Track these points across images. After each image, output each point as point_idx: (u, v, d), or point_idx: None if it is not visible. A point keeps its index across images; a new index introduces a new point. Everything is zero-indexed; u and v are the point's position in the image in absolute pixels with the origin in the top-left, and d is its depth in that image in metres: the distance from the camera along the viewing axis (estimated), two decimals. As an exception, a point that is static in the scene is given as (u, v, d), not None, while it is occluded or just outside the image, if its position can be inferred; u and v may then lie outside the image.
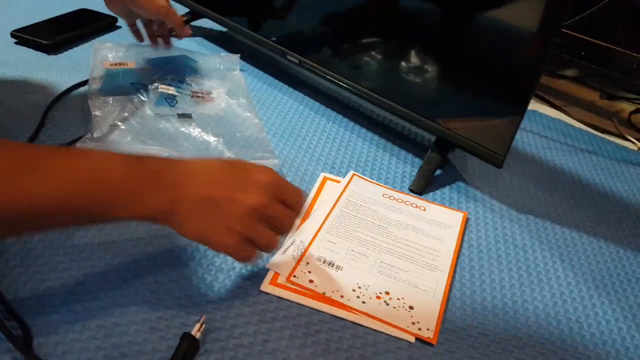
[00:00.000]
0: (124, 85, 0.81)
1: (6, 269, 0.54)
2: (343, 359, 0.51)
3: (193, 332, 0.49)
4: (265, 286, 0.57)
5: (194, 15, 1.08)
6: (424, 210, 0.71)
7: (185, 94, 0.83)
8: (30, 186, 0.41)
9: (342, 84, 0.85)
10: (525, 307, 0.60)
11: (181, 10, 1.07)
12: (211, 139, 0.76)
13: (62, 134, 0.74)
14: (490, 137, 0.72)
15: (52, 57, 0.92)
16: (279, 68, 1.02)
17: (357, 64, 0.85)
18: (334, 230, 0.65)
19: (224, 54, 0.97)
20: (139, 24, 0.91)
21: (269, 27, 0.96)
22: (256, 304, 0.55)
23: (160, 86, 0.82)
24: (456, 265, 0.64)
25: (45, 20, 0.99)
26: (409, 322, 0.55)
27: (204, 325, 0.51)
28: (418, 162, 0.82)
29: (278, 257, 0.60)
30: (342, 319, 0.55)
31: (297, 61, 0.90)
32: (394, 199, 0.73)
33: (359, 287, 0.58)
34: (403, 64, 0.81)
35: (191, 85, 0.86)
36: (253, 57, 1.03)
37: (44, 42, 0.93)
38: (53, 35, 0.95)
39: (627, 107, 1.12)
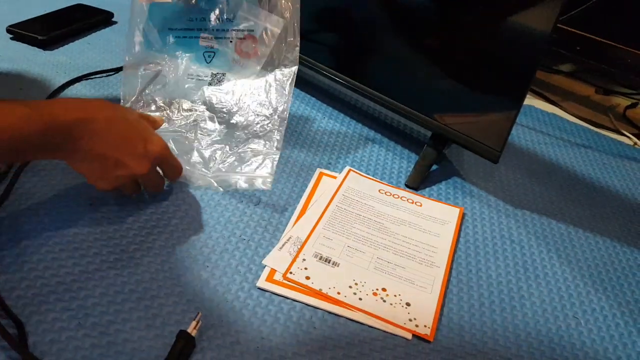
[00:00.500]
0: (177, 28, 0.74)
1: (1, 265, 0.54)
2: (340, 356, 0.51)
3: (189, 330, 0.49)
4: (262, 282, 0.57)
5: None
6: (420, 205, 0.71)
7: (228, 47, 0.74)
8: None
9: (337, 79, 0.85)
10: (522, 302, 0.60)
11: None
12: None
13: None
14: (486, 133, 0.72)
15: (48, 52, 0.91)
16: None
17: (352, 60, 0.85)
18: (331, 227, 0.65)
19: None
20: None
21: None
22: (252, 301, 0.55)
23: (202, 36, 0.74)
24: (453, 261, 0.64)
25: (41, 16, 0.99)
26: (406, 319, 0.55)
27: (200, 323, 0.51)
28: (414, 157, 0.82)
29: (274, 253, 0.60)
30: (339, 315, 0.55)
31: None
32: (390, 194, 0.72)
33: (356, 284, 0.58)
34: (398, 59, 0.80)
35: (239, 25, 0.74)
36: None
37: (39, 37, 0.92)
38: (49, 31, 0.94)
39: (623, 101, 1.12)
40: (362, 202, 0.70)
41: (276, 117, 0.73)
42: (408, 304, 0.57)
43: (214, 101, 0.74)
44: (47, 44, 0.93)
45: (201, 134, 0.72)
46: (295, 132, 0.83)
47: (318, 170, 0.75)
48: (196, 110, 0.74)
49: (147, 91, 0.73)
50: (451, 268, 0.63)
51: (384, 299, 0.57)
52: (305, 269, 0.59)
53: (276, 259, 0.59)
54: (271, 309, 0.55)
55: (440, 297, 0.58)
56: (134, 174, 0.58)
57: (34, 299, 0.51)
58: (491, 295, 0.60)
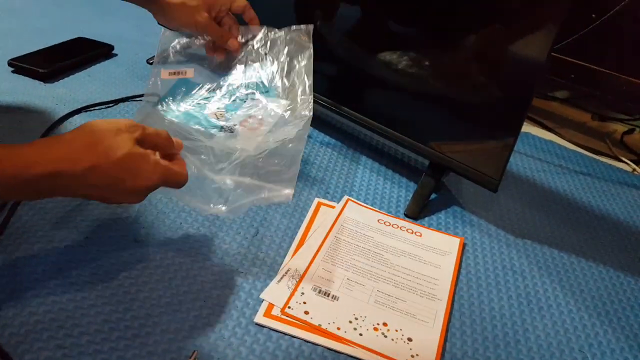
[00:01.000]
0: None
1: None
2: (341, 394, 0.50)
3: None
4: (260, 318, 0.55)
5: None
6: (420, 236, 0.71)
7: (234, 121, 0.73)
8: None
9: (335, 109, 0.85)
10: (527, 336, 0.59)
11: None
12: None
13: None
14: (485, 161, 0.71)
15: (49, 85, 0.92)
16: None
17: (350, 90, 0.85)
18: (330, 258, 0.64)
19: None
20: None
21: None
22: (250, 337, 0.54)
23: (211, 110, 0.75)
24: (454, 293, 0.63)
25: (42, 49, 0.99)
26: (408, 355, 0.54)
27: None
28: (413, 186, 0.81)
29: (272, 287, 0.59)
30: (339, 352, 0.53)
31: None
32: (389, 224, 0.72)
33: (356, 319, 0.57)
34: (396, 88, 0.81)
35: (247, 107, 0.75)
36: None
37: (40, 70, 0.92)
38: (50, 64, 0.94)
39: (620, 127, 1.12)
40: (361, 232, 0.69)
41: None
42: (410, 339, 0.55)
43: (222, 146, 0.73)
44: (48, 77, 0.93)
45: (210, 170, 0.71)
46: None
47: (316, 200, 0.74)
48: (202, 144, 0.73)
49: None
50: (453, 301, 0.62)
51: (385, 334, 0.56)
52: (304, 303, 0.58)
53: (274, 293, 0.58)
54: (269, 345, 0.53)
55: (443, 332, 0.57)
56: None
57: (27, 336, 0.50)
58: (494, 329, 0.59)
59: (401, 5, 0.77)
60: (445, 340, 0.57)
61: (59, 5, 1.26)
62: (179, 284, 0.58)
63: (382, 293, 0.61)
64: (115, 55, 1.06)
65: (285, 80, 0.77)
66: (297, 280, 0.60)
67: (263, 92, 0.77)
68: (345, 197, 0.75)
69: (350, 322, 0.56)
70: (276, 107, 0.74)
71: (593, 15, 0.95)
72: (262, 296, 0.58)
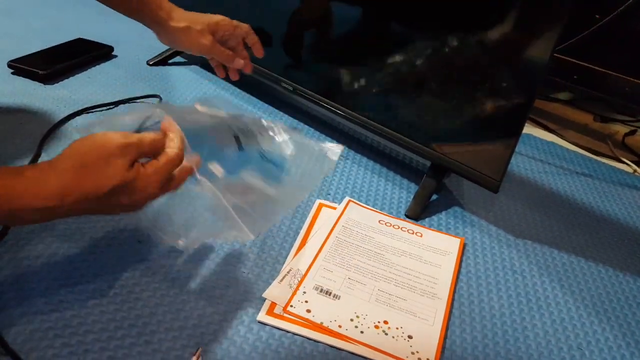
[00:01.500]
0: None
1: (1, 301, 0.53)
2: (342, 391, 0.50)
3: None
4: (262, 316, 0.56)
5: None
6: (421, 236, 0.71)
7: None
8: None
9: (336, 110, 0.86)
10: (526, 334, 0.59)
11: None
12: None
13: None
14: (486, 162, 0.72)
15: (49, 86, 0.92)
16: (273, 94, 1.03)
17: (352, 91, 0.86)
18: (331, 258, 0.65)
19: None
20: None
21: (264, 54, 0.96)
22: (253, 335, 0.54)
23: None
24: (454, 292, 0.64)
25: (42, 51, 1.00)
26: (409, 352, 0.54)
27: (200, 358, 0.50)
28: (414, 187, 0.82)
29: (275, 286, 0.60)
30: (340, 349, 0.54)
31: (291, 88, 0.90)
32: (390, 225, 0.72)
33: (357, 317, 0.58)
34: (397, 89, 0.81)
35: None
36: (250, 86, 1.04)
37: (40, 72, 0.93)
38: (49, 65, 0.95)
39: (621, 129, 1.13)
40: (362, 233, 0.70)
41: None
42: (410, 337, 0.56)
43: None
44: (48, 79, 0.94)
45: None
46: (294, 162, 0.83)
47: (317, 201, 0.75)
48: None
49: None
50: (453, 299, 0.62)
51: (386, 331, 0.56)
52: (306, 301, 0.58)
53: (276, 292, 0.59)
54: (272, 343, 0.54)
55: (443, 329, 0.58)
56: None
57: (33, 334, 0.51)
58: (494, 327, 0.60)
59: (403, 6, 0.78)
60: (445, 337, 0.57)
61: (58, 6, 1.27)
62: (182, 284, 0.59)
63: (383, 292, 0.61)
64: (115, 56, 1.07)
65: (292, 177, 0.76)
66: (299, 279, 0.61)
67: (268, 169, 0.75)
68: (347, 199, 0.76)
69: (352, 320, 0.57)
70: (269, 187, 0.72)
71: (597, 16, 0.96)
72: (264, 295, 0.59)
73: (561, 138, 1.06)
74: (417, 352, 0.54)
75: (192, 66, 1.09)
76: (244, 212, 0.64)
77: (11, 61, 0.95)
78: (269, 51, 0.96)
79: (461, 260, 0.69)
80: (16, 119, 0.83)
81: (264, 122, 0.87)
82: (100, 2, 0.78)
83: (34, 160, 0.73)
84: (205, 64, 1.10)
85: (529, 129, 1.07)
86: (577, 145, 1.04)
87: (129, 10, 0.77)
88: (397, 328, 0.57)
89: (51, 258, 0.59)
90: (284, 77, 0.91)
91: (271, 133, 0.85)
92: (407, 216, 0.75)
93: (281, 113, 0.97)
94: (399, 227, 0.72)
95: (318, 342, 0.55)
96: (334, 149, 0.85)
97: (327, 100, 0.87)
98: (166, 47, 1.09)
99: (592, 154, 1.02)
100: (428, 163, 0.80)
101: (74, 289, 0.56)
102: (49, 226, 0.63)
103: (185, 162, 0.56)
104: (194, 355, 0.50)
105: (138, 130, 0.72)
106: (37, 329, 0.51)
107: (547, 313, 0.63)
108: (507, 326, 0.60)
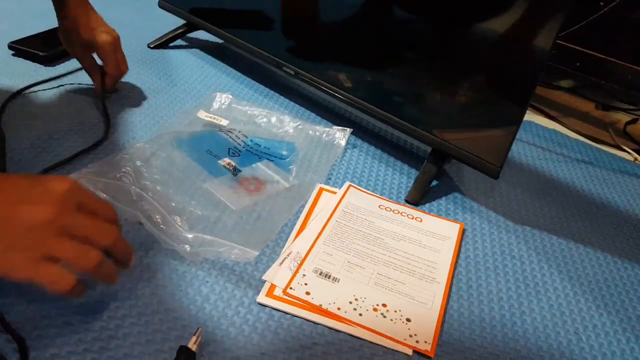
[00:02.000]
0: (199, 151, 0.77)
1: (1, 282, 0.54)
2: (340, 372, 0.51)
3: (189, 345, 0.49)
4: (262, 298, 0.57)
5: (190, 27, 1.09)
6: (420, 221, 0.71)
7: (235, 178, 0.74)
8: None
9: (338, 95, 0.86)
10: (523, 318, 0.60)
11: (177, 22, 1.08)
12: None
13: (59, 145, 0.74)
14: (486, 148, 0.72)
15: (49, 68, 0.92)
16: (275, 79, 1.03)
17: (354, 75, 0.86)
18: (331, 242, 0.65)
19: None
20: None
21: (265, 38, 0.96)
22: (252, 316, 0.55)
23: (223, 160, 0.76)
24: (453, 276, 0.64)
25: (43, 32, 1.00)
26: (407, 335, 0.55)
27: (200, 338, 0.50)
28: (414, 173, 0.82)
29: (274, 269, 0.60)
30: (339, 331, 0.55)
31: (293, 72, 0.90)
32: (390, 210, 0.73)
33: (356, 299, 0.58)
34: (399, 75, 0.81)
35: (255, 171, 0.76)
36: (252, 72, 1.04)
37: (40, 53, 0.93)
38: (50, 47, 0.95)
39: (623, 117, 1.12)
40: (362, 217, 0.70)
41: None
42: (408, 320, 0.57)
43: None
44: (48, 60, 0.94)
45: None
46: (303, 151, 0.83)
47: (318, 185, 0.75)
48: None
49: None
50: (451, 284, 0.63)
51: (384, 314, 0.57)
52: (305, 284, 0.59)
53: (276, 275, 0.59)
54: (271, 324, 0.54)
55: (441, 313, 0.58)
56: (41, 220, 0.43)
57: (35, 314, 0.51)
58: (492, 311, 0.60)
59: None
60: (443, 321, 0.58)
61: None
62: (183, 265, 0.59)
63: (382, 275, 0.62)
64: (117, 39, 1.07)
65: (301, 164, 0.79)
66: (299, 262, 0.62)
67: (279, 159, 0.79)
68: (347, 183, 0.76)
69: (350, 302, 0.57)
70: (282, 179, 0.75)
71: (601, 3, 0.95)
72: (264, 277, 0.59)
73: (562, 126, 1.06)
74: (415, 334, 0.55)
75: (193, 49, 1.09)
76: (250, 225, 0.65)
77: (12, 42, 0.95)
78: (270, 34, 0.96)
79: (460, 245, 0.69)
80: (17, 101, 0.82)
81: (271, 112, 0.87)
82: None
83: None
84: (205, 48, 1.10)
85: (530, 116, 1.07)
86: (579, 133, 1.04)
87: None
88: (395, 311, 0.57)
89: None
90: (286, 61, 0.91)
91: (278, 123, 0.86)
92: (407, 201, 0.76)
93: (282, 98, 0.97)
94: (398, 212, 0.72)
95: (317, 323, 0.55)
96: (341, 134, 0.86)
97: (329, 85, 0.86)
98: (167, 30, 1.08)
99: (593, 141, 1.02)
100: (429, 149, 0.80)
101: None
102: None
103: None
104: (194, 335, 0.50)
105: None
106: (38, 309, 0.52)
107: (544, 298, 0.63)
108: (505, 310, 0.60)
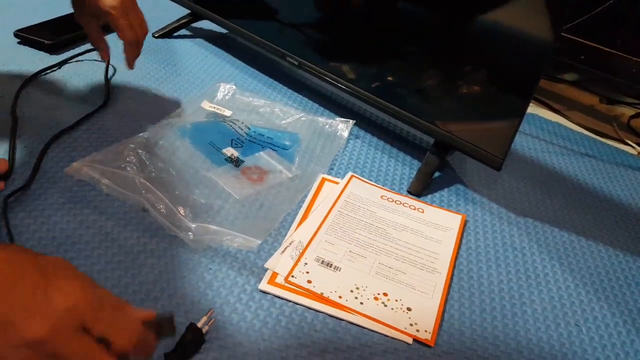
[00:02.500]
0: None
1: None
2: (341, 359, 0.51)
3: (199, 325, 0.50)
4: (264, 285, 0.57)
5: (194, 16, 1.08)
6: (422, 212, 0.72)
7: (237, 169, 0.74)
8: None
9: (341, 86, 0.86)
10: (524, 309, 0.60)
11: (181, 12, 1.08)
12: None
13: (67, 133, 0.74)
14: (489, 140, 0.72)
15: (54, 57, 0.92)
16: (279, 70, 1.03)
17: (357, 66, 0.86)
18: (333, 232, 0.66)
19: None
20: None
21: (269, 28, 0.96)
22: (255, 303, 0.55)
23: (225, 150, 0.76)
24: (454, 267, 0.64)
25: (48, 21, 1.00)
26: (407, 324, 0.55)
27: (213, 320, 0.51)
28: (416, 164, 0.82)
29: (277, 257, 0.61)
30: (340, 319, 0.55)
31: (296, 63, 0.90)
32: (392, 200, 0.73)
33: (357, 288, 0.58)
34: (402, 66, 0.81)
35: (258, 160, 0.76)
36: (253, 61, 1.04)
37: (46, 42, 0.93)
38: (55, 36, 0.95)
39: (627, 111, 1.12)
40: (364, 208, 0.70)
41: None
42: (409, 309, 0.57)
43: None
44: (54, 49, 0.94)
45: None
46: (306, 142, 0.83)
47: (320, 176, 0.75)
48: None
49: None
50: (452, 274, 0.63)
51: (385, 303, 0.57)
52: (307, 272, 0.59)
53: (278, 263, 0.60)
54: (273, 311, 0.55)
55: (442, 303, 0.58)
56: (30, 341, 0.35)
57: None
58: (492, 302, 0.60)
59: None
60: (444, 310, 0.58)
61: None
62: (185, 252, 0.60)
63: (383, 265, 0.62)
64: (122, 28, 1.07)
65: (304, 154, 0.79)
66: (301, 251, 0.62)
67: (282, 149, 0.79)
68: (349, 174, 0.76)
69: (352, 291, 0.58)
70: (285, 169, 0.75)
71: (606, -5, 0.95)
72: (266, 265, 0.60)
73: (566, 119, 1.05)
74: (416, 323, 0.55)
75: (197, 39, 1.09)
76: (252, 213, 0.65)
77: (17, 31, 0.95)
78: (274, 25, 0.96)
79: (462, 237, 0.69)
80: (23, 89, 0.82)
81: (274, 103, 0.87)
82: None
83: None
84: (209, 38, 1.10)
85: (534, 109, 1.07)
86: (582, 126, 1.04)
87: None
88: (396, 300, 0.58)
89: (55, 225, 0.60)
90: (289, 52, 0.91)
91: (281, 113, 0.86)
92: (409, 192, 0.76)
93: (285, 88, 0.97)
94: (400, 203, 0.72)
95: (318, 311, 0.56)
96: (344, 125, 0.86)
97: (332, 76, 0.86)
98: (172, 20, 1.08)
99: (597, 135, 1.01)
100: (431, 140, 0.80)
101: (79, 255, 0.57)
102: (60, 199, 0.64)
103: None
104: (206, 315, 0.51)
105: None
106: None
107: (545, 290, 0.63)
108: (506, 301, 0.61)
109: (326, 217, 0.68)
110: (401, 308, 0.57)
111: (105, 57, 0.80)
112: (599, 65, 1.01)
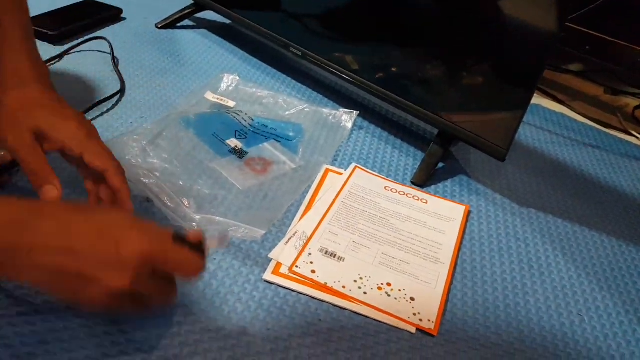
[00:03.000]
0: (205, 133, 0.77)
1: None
2: (345, 348, 0.52)
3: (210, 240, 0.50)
4: (268, 275, 0.57)
5: (198, 7, 1.08)
6: (426, 202, 0.72)
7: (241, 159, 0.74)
8: None
9: (345, 76, 0.85)
10: (527, 299, 0.60)
11: (184, 2, 1.08)
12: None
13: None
14: (493, 131, 0.72)
15: (58, 47, 0.92)
16: (282, 60, 1.02)
17: (361, 57, 0.86)
18: (336, 222, 0.66)
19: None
20: None
21: (273, 18, 0.96)
22: (259, 293, 0.56)
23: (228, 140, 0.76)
24: (458, 257, 0.64)
25: (52, 11, 1.00)
26: (410, 313, 0.55)
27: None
28: (420, 155, 0.82)
29: (281, 247, 0.61)
30: (344, 308, 0.55)
31: (300, 53, 0.90)
32: (396, 191, 0.73)
33: (361, 278, 0.59)
34: (406, 57, 0.81)
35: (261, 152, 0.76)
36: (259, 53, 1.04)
37: (50, 32, 0.93)
38: (59, 26, 0.95)
39: (632, 102, 1.12)
40: (368, 198, 0.71)
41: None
42: (412, 299, 0.57)
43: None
44: (57, 40, 0.94)
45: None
46: (310, 133, 0.83)
47: (324, 167, 0.75)
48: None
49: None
50: (456, 264, 0.63)
51: (389, 293, 0.57)
52: (311, 262, 0.59)
53: (282, 253, 0.60)
54: (277, 301, 0.55)
55: (445, 293, 0.59)
56: (112, 291, 0.43)
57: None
58: (495, 292, 0.61)
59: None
60: (447, 300, 0.58)
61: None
62: (190, 243, 0.60)
63: (386, 255, 0.62)
64: (124, 19, 1.07)
65: (308, 145, 0.79)
66: (305, 241, 0.62)
67: (286, 140, 0.79)
68: (353, 164, 0.77)
69: (355, 281, 0.58)
70: (289, 160, 0.75)
71: (612, -15, 0.94)
72: (270, 255, 0.60)
73: (570, 109, 1.05)
74: (419, 313, 0.56)
75: (201, 30, 1.09)
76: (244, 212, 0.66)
77: (20, 21, 0.95)
78: (278, 15, 0.96)
79: (465, 227, 0.69)
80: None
81: (278, 94, 0.87)
82: None
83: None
84: (213, 28, 1.10)
85: (538, 100, 1.06)
86: (586, 117, 1.03)
87: None
88: (399, 290, 0.58)
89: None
90: (293, 42, 0.91)
91: (285, 104, 0.86)
92: (413, 183, 0.76)
93: (289, 79, 0.97)
94: (404, 194, 0.73)
95: (322, 301, 0.56)
96: (347, 116, 0.86)
97: (336, 66, 0.86)
98: (175, 10, 1.08)
99: (601, 126, 1.01)
100: (435, 131, 0.80)
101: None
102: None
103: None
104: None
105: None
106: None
107: (548, 280, 0.64)
108: (509, 291, 0.61)
109: (330, 207, 0.68)
110: (404, 298, 0.57)
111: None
112: (603, 56, 1.01)
